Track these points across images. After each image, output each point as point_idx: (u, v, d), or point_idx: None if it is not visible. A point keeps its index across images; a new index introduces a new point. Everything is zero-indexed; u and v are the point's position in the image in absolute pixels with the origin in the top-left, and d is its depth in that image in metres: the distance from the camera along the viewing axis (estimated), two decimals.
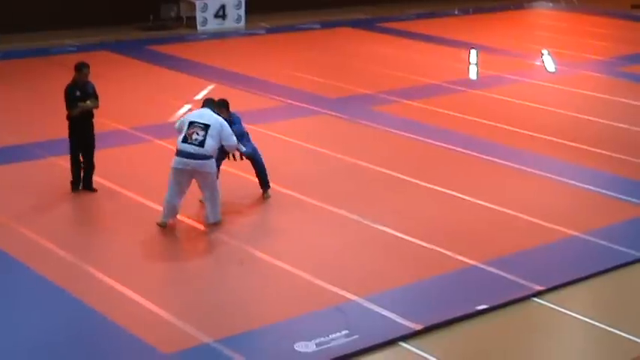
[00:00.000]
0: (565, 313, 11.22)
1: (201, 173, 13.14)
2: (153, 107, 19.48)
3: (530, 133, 18.40)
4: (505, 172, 16.22)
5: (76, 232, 13.62)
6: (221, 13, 30.37)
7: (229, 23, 30.52)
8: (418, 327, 10.63)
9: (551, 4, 37.25)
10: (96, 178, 14.80)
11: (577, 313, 11.20)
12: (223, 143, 13.28)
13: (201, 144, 12.95)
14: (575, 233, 13.47)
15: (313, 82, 22.43)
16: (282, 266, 12.24)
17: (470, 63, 25.71)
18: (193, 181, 13.30)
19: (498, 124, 19.04)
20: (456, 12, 34.81)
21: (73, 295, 11.29)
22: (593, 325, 10.97)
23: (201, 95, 19.98)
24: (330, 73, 23.58)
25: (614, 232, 13.59)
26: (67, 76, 14.75)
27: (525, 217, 14.02)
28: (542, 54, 26.82)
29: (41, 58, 24.73)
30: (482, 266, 12.32)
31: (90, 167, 14.68)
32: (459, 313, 10.98)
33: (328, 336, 10.36)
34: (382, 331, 10.56)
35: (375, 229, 13.51)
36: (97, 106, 14.62)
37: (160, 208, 13.38)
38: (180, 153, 13.06)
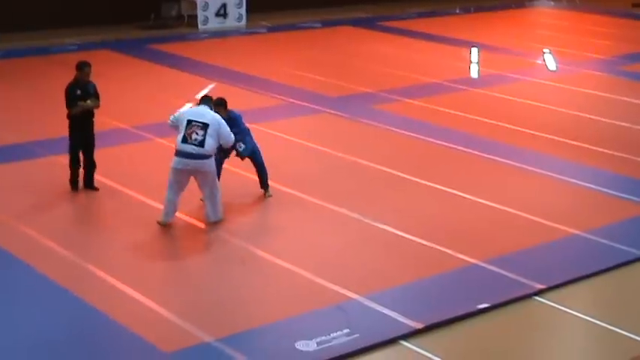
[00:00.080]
0: (566, 312, 11.21)
1: (201, 172, 13.14)
2: (154, 106, 19.47)
3: (532, 132, 18.39)
4: (506, 170, 16.21)
5: (76, 230, 13.62)
6: (222, 12, 30.36)
7: (230, 22, 30.52)
8: (419, 326, 10.62)
9: (552, 3, 37.25)
10: (97, 177, 14.79)
11: (578, 312, 11.19)
12: (221, 142, 13.28)
13: (201, 144, 12.93)
14: (577, 232, 13.46)
15: (314, 81, 22.43)
16: (282, 265, 12.23)
17: (471, 62, 25.72)
18: (192, 179, 13.30)
19: (499, 123, 19.03)
20: (457, 11, 34.80)
21: (73, 294, 11.29)
22: (595, 323, 10.96)
23: (202, 94, 19.95)
24: (331, 71, 23.57)
25: (615, 230, 13.58)
26: (68, 75, 14.75)
27: (526, 215, 14.01)
28: (544, 53, 26.81)
29: (41, 57, 24.74)
30: (484, 265, 12.31)
31: (91, 166, 14.68)
32: (460, 312, 10.97)
33: (329, 335, 10.36)
34: (383, 330, 10.55)
35: (375, 228, 13.50)
36: (97, 106, 14.61)
37: (161, 207, 13.37)
38: (179, 153, 13.04)
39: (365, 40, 28.49)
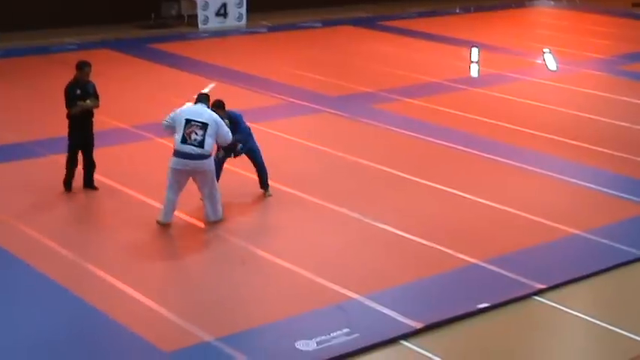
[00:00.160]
0: (566, 312, 11.21)
1: (200, 172, 13.13)
2: (154, 105, 19.46)
3: (532, 132, 18.39)
4: (506, 170, 16.21)
5: (76, 230, 13.62)
6: (222, 12, 30.35)
7: (230, 21, 30.51)
8: (419, 325, 10.62)
9: (552, 3, 37.25)
10: (97, 176, 14.79)
11: (578, 312, 11.19)
12: (219, 140, 13.28)
13: (201, 144, 12.92)
14: (577, 232, 13.46)
15: (314, 81, 22.42)
16: (282, 264, 12.23)
17: (471, 61, 25.72)
18: (191, 179, 13.31)
19: (499, 123, 19.03)
20: (457, 10, 34.80)
21: (73, 294, 11.29)
22: (595, 323, 10.96)
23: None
24: (331, 71, 23.57)
25: (615, 230, 13.58)
26: (68, 75, 14.74)
27: (526, 215, 14.01)
28: (544, 52, 26.81)
29: (42, 57, 24.73)
30: (484, 264, 12.31)
31: (90, 165, 14.67)
32: (460, 312, 10.97)
33: (329, 334, 10.36)
34: (383, 330, 10.55)
35: (376, 228, 13.50)
36: (97, 106, 14.60)
37: (161, 206, 13.36)
38: (179, 154, 13.01)
39: (365, 39, 28.50)
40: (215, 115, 13.21)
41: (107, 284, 11.59)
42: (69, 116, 14.47)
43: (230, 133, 13.39)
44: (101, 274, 11.84)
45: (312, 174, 15.71)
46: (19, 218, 13.60)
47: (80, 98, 14.37)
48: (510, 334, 10.79)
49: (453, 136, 17.91)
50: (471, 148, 17.20)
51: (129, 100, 20.32)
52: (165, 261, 12.64)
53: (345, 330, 10.47)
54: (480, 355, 10.34)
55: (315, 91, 21.35)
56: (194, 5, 30.05)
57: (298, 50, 26.61)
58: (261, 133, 15.76)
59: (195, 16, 30.02)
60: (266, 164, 14.49)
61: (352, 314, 10.87)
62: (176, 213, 13.43)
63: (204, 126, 12.96)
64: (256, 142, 14.44)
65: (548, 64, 25.50)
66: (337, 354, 10.04)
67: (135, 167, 15.85)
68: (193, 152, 12.92)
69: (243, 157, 14.40)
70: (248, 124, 14.39)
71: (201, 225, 13.51)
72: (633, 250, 12.86)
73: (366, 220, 13.72)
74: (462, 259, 12.45)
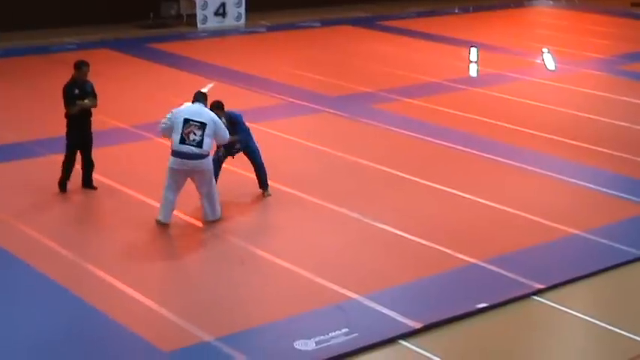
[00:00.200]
0: (565, 312, 11.22)
1: (198, 172, 13.14)
2: (153, 105, 19.45)
3: (531, 132, 18.39)
4: (505, 170, 16.22)
5: (76, 229, 13.61)
6: (221, 11, 30.35)
7: (229, 21, 30.51)
8: (418, 325, 10.63)
9: (551, 2, 37.27)
10: (96, 176, 14.80)
11: (577, 312, 11.20)
12: (217, 140, 13.29)
13: (199, 144, 12.91)
14: (576, 232, 13.46)
15: (314, 80, 22.43)
16: (282, 264, 12.23)
17: (470, 61, 25.71)
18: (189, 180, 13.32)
19: (498, 122, 19.04)
20: (456, 10, 34.81)
21: (73, 293, 11.30)
22: (594, 323, 10.96)
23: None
24: (330, 71, 23.58)
25: (614, 230, 13.59)
26: (68, 74, 14.73)
27: (526, 215, 14.02)
28: (543, 52, 26.81)
29: (41, 56, 24.73)
30: (483, 264, 12.31)
31: (89, 165, 14.68)
32: (459, 312, 10.98)
33: (328, 334, 10.36)
34: (382, 330, 10.55)
35: (375, 228, 13.50)
36: (95, 105, 14.60)
37: (160, 206, 13.37)
38: (177, 154, 13.00)
39: (364, 39, 28.50)
40: (213, 115, 13.22)
41: (107, 284, 11.59)
42: (67, 116, 14.47)
43: (227, 132, 13.40)
44: (101, 274, 11.84)
45: (312, 174, 15.72)
46: (19, 218, 13.60)
47: (79, 98, 14.37)
48: (509, 334, 10.79)
49: (452, 136, 17.92)
50: (470, 148, 17.20)
51: (128, 99, 20.32)
52: (164, 261, 12.64)
53: (344, 330, 10.47)
54: (479, 355, 10.34)
55: (315, 91, 21.36)
56: (193, 5, 30.05)
57: (297, 50, 26.61)
58: (260, 133, 15.77)
59: (194, 16, 30.02)
60: (265, 164, 14.50)
61: (351, 314, 10.87)
62: (175, 213, 13.44)
63: (202, 126, 12.95)
64: (255, 142, 14.45)
65: (548, 64, 25.50)
66: (336, 354, 10.04)
67: (134, 167, 15.85)
68: (192, 152, 12.92)
69: (243, 158, 14.41)
70: (247, 124, 14.40)
71: (200, 224, 13.52)
72: (632, 250, 12.87)
73: (366, 220, 13.73)
74: (461, 259, 12.46)
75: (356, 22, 31.33)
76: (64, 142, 14.72)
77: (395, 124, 18.70)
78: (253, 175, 14.56)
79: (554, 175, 15.85)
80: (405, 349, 10.28)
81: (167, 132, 13.23)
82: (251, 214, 14.19)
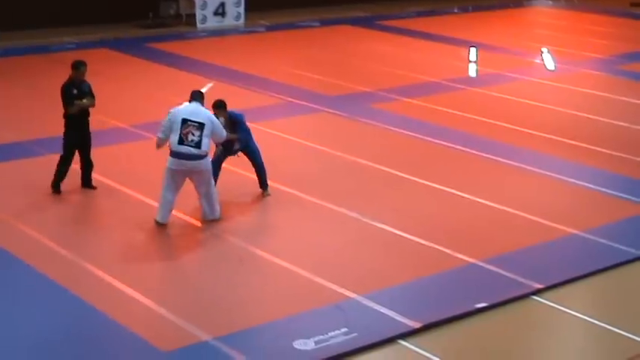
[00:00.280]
0: (564, 312, 11.22)
1: (197, 172, 13.14)
2: (152, 105, 19.46)
3: (530, 131, 18.40)
4: (504, 170, 16.22)
5: (75, 229, 13.61)
6: (220, 11, 30.36)
7: (229, 21, 30.51)
8: (417, 325, 10.63)
9: (550, 2, 37.27)
10: (95, 176, 14.80)
11: (576, 312, 11.20)
12: (214, 139, 13.28)
13: (198, 145, 12.91)
14: (575, 231, 13.46)
15: (313, 80, 22.43)
16: (281, 264, 12.24)
17: (469, 61, 25.71)
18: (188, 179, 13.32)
19: (498, 122, 19.04)
20: (456, 10, 34.82)
21: (72, 293, 11.29)
22: (593, 323, 10.96)
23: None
24: (329, 70, 23.58)
25: (613, 230, 13.59)
26: (67, 74, 14.70)
27: (525, 215, 14.02)
28: (542, 52, 26.82)
29: (41, 56, 24.73)
30: (482, 264, 12.32)
31: (88, 165, 14.68)
32: (458, 311, 10.98)
33: (327, 334, 10.36)
34: (381, 329, 10.56)
35: (374, 227, 13.51)
36: (93, 105, 14.60)
37: (159, 206, 13.37)
38: (176, 154, 13.00)
39: (363, 39, 28.50)
40: (210, 114, 13.22)
41: (106, 284, 11.59)
42: (66, 116, 14.46)
43: (224, 131, 13.41)
44: (100, 273, 11.84)
45: (311, 173, 15.72)
46: (18, 218, 13.60)
47: (77, 97, 14.36)
48: (508, 333, 10.79)
49: (451, 136, 17.92)
50: (469, 148, 17.20)
51: (127, 99, 20.32)
52: (163, 260, 12.64)
53: (343, 329, 10.47)
54: (478, 355, 10.35)
55: (314, 91, 21.36)
56: (192, 4, 30.05)
57: (296, 50, 26.62)
58: (259, 132, 15.77)
59: (194, 16, 30.03)
60: (264, 163, 14.50)
61: (350, 314, 10.87)
62: (174, 212, 13.44)
63: (200, 126, 12.95)
64: (256, 142, 14.45)
65: (547, 64, 25.50)
66: (335, 353, 10.04)
67: (133, 166, 15.85)
68: (190, 153, 12.91)
69: (243, 158, 14.41)
70: (248, 124, 14.40)
71: (199, 224, 13.52)
72: (631, 250, 12.87)
73: (365, 220, 13.73)
74: (460, 259, 12.46)
75: (355, 22, 31.34)
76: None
77: (394, 124, 18.71)
78: (253, 175, 14.56)
79: (553, 174, 15.85)
80: (404, 349, 10.28)
81: (164, 142, 13.26)
82: (250, 214, 14.19)
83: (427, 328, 10.62)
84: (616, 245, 13.03)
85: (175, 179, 13.16)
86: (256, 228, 13.84)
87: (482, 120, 19.21)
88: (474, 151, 17.04)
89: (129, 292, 11.35)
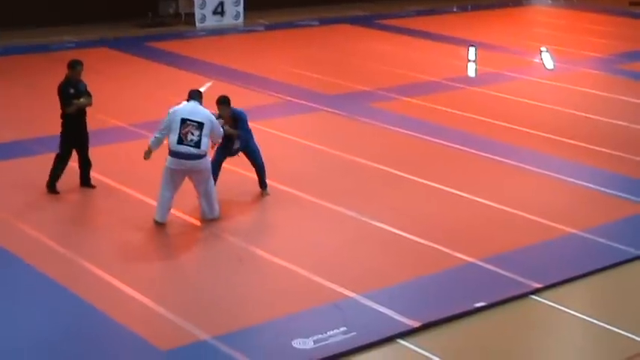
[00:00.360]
0: (563, 311, 11.22)
1: (196, 172, 13.14)
2: (151, 104, 19.46)
3: (529, 131, 18.40)
4: (503, 169, 16.22)
5: (74, 228, 13.61)
6: (219, 10, 30.36)
7: (228, 20, 30.52)
8: (416, 324, 10.63)
9: (549, 1, 37.28)
10: (94, 175, 14.81)
11: (575, 311, 11.20)
12: (212, 138, 13.29)
13: (197, 144, 12.91)
14: (574, 231, 13.47)
15: (312, 79, 22.43)
16: (279, 263, 12.24)
17: (468, 60, 25.70)
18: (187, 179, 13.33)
19: (497, 122, 19.04)
20: (455, 9, 34.83)
21: (72, 292, 11.30)
22: (592, 322, 10.97)
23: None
24: (328, 69, 23.58)
25: (612, 229, 13.59)
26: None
27: (524, 214, 14.02)
28: (541, 51, 26.81)
29: (41, 55, 24.73)
30: (481, 263, 12.32)
31: (86, 164, 14.68)
32: (457, 311, 10.98)
33: (326, 333, 10.36)
34: (380, 328, 10.56)
35: (372, 226, 13.51)
36: (90, 104, 14.60)
37: (157, 205, 13.37)
38: (175, 154, 13.00)
39: (362, 38, 28.51)
40: (209, 113, 13.23)
41: (105, 283, 11.59)
42: (63, 116, 14.46)
43: (222, 129, 13.43)
44: (99, 272, 11.85)
45: (309, 172, 15.72)
46: (18, 216, 13.60)
47: (74, 97, 14.36)
48: (507, 333, 10.80)
49: (450, 135, 17.92)
50: (468, 147, 17.21)
51: (127, 98, 20.32)
52: (162, 259, 12.64)
53: (342, 329, 10.48)
54: (477, 354, 10.35)
55: (313, 90, 21.37)
56: (191, 3, 30.05)
57: (296, 49, 26.62)
58: (258, 131, 15.75)
59: (193, 15, 30.03)
60: (264, 166, 14.51)
61: (349, 313, 10.88)
62: (173, 211, 13.45)
63: (200, 126, 12.95)
64: (256, 142, 14.45)
65: (546, 63, 25.50)
66: (334, 352, 10.04)
67: (132, 166, 15.83)
68: (190, 153, 12.92)
69: (243, 158, 14.41)
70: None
71: (198, 223, 13.52)
72: (631, 250, 12.87)
73: (363, 219, 13.73)
74: (459, 258, 12.46)
75: (354, 21, 31.34)
76: None
77: (393, 123, 18.71)
78: (252, 174, 14.57)
79: (552, 174, 15.85)
80: (403, 348, 10.28)
81: (160, 142, 13.28)
82: (249, 213, 14.19)
83: (426, 327, 10.63)
84: (615, 245, 13.03)
85: (174, 179, 13.17)
86: (255, 227, 13.85)
87: (481, 119, 19.22)
88: (472, 151, 17.04)
89: (128, 292, 11.36)
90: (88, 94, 14.53)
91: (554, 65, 25.22)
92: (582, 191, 15.18)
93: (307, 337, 10.29)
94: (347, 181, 15.40)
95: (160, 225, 13.27)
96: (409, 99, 20.86)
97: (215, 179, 13.72)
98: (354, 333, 10.41)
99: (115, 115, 18.35)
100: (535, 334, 10.70)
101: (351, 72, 23.41)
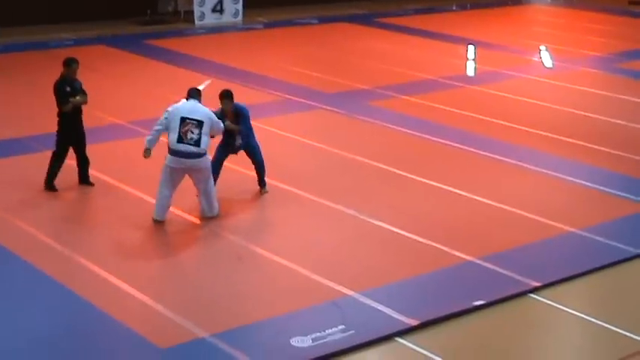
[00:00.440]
0: (561, 309, 11.23)
1: (196, 170, 13.14)
2: (150, 101, 19.44)
3: (527, 129, 18.40)
4: (502, 167, 16.22)
5: (72, 226, 13.60)
6: (218, 8, 30.35)
7: (227, 18, 30.51)
8: (414, 322, 10.63)
9: (548, 0, 37.26)
10: (93, 173, 14.80)
11: (573, 310, 11.20)
12: (212, 133, 13.28)
13: (197, 143, 12.91)
14: (572, 229, 13.47)
15: (310, 77, 22.43)
16: (278, 261, 12.24)
17: (467, 59, 25.71)
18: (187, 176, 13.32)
19: (495, 120, 19.04)
20: (454, 7, 34.83)
21: (70, 289, 11.29)
22: (590, 321, 10.97)
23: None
24: (327, 68, 23.58)
25: (610, 228, 13.60)
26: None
27: (522, 212, 14.02)
28: (540, 50, 26.82)
29: (40, 52, 24.72)
30: (479, 262, 12.32)
31: (84, 162, 14.67)
32: (455, 309, 10.98)
33: (324, 331, 10.36)
34: (378, 327, 10.56)
35: (371, 225, 13.51)
36: (86, 102, 14.59)
37: (156, 203, 13.36)
38: (175, 153, 12.99)
39: (361, 36, 28.50)
40: (209, 112, 13.22)
41: (103, 280, 11.59)
42: (60, 114, 14.44)
43: (221, 124, 13.42)
44: (97, 270, 11.84)
45: (308, 171, 15.72)
46: (16, 214, 13.60)
47: (70, 95, 14.35)
48: (506, 331, 10.80)
49: (448, 134, 17.92)
50: (466, 146, 17.21)
51: (125, 96, 20.31)
52: (161, 257, 12.64)
53: (341, 327, 10.48)
54: (476, 353, 10.35)
55: (312, 88, 21.36)
56: (190, 1, 30.04)
57: (294, 47, 26.61)
58: (257, 129, 15.70)
59: (192, 12, 30.03)
60: (264, 164, 14.51)
61: (347, 311, 10.88)
62: (172, 209, 13.45)
63: (199, 124, 12.94)
64: (257, 140, 14.45)
65: (545, 62, 25.51)
66: (332, 350, 10.04)
67: (131, 163, 15.82)
68: (190, 151, 12.91)
69: (243, 155, 14.40)
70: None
71: (197, 221, 13.52)
72: (629, 248, 12.88)
73: (362, 217, 13.73)
74: (458, 257, 12.46)
75: (353, 20, 31.33)
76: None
77: (391, 122, 18.71)
78: (251, 173, 14.57)
79: (550, 172, 15.85)
80: (402, 347, 10.28)
81: (152, 144, 13.29)
82: (248, 211, 14.19)
83: (424, 325, 10.63)
84: (613, 243, 13.04)
85: (174, 177, 13.17)
86: (254, 225, 13.84)
87: (479, 118, 19.22)
88: (471, 149, 17.04)
89: (126, 289, 11.35)
90: (84, 92, 14.53)
91: (553, 64, 25.22)
92: (581, 190, 15.19)
93: (306, 335, 10.29)
94: (346, 179, 15.40)
95: (158, 223, 13.27)
96: (408, 97, 20.86)
97: (216, 178, 13.72)
98: (353, 331, 10.41)
99: (114, 112, 18.34)
100: (533, 333, 10.71)
101: (349, 70, 23.41)
